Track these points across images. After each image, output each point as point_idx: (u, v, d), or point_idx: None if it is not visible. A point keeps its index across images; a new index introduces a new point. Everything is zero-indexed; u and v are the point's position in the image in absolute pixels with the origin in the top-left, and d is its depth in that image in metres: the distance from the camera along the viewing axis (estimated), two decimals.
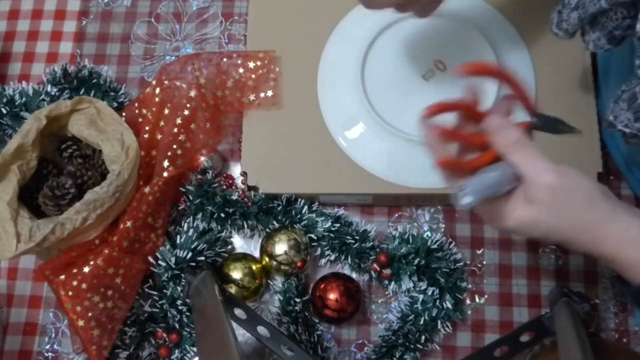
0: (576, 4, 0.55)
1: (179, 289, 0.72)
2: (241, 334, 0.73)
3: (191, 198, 0.75)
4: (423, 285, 0.73)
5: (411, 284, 0.73)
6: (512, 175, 0.46)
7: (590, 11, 0.54)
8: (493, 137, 0.46)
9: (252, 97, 0.77)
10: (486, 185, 0.45)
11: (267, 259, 0.73)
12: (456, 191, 0.45)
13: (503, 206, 0.47)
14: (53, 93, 0.80)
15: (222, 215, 0.75)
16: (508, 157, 0.46)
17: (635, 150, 0.71)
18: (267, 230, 0.75)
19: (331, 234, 0.74)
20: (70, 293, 0.67)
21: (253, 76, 0.77)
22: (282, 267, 0.73)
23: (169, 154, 0.73)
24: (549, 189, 0.44)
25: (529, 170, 0.45)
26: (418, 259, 0.73)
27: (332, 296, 0.71)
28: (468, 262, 0.77)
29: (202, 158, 0.76)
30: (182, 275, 0.72)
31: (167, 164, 0.73)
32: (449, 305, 0.72)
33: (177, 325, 0.73)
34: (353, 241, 0.74)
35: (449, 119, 0.49)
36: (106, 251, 0.68)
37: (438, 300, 0.72)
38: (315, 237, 0.74)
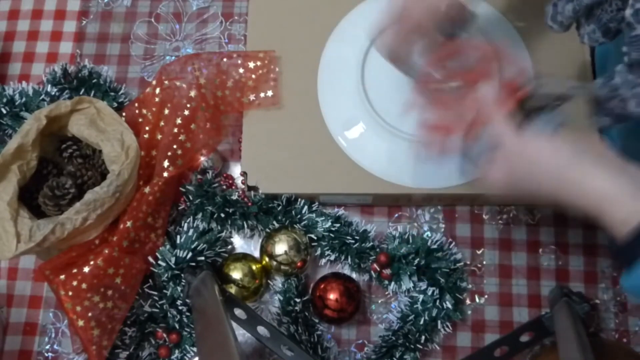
0: None
1: (179, 289, 0.72)
2: (241, 334, 0.73)
3: (191, 198, 0.75)
4: (423, 285, 0.73)
5: (411, 284, 0.73)
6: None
7: (584, 3, 0.54)
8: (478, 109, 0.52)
9: (252, 97, 0.77)
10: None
11: (267, 259, 0.73)
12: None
13: (491, 167, 0.51)
14: (53, 93, 0.80)
15: (222, 215, 0.75)
16: (487, 125, 0.51)
17: (628, 151, 0.71)
18: (267, 230, 0.75)
19: (331, 234, 0.74)
20: (70, 293, 0.67)
21: (253, 76, 0.77)
22: (282, 267, 0.73)
23: (169, 154, 0.73)
24: (515, 153, 0.49)
25: (499, 139, 0.50)
26: (418, 259, 0.73)
27: (332, 296, 0.71)
28: (468, 262, 0.77)
29: (202, 158, 0.76)
30: (182, 275, 0.72)
31: (167, 164, 0.73)
32: (449, 305, 0.72)
33: (177, 325, 0.73)
34: (353, 241, 0.74)
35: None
36: (106, 251, 0.68)
37: (438, 300, 0.72)
38: (315, 237, 0.74)
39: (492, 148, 0.51)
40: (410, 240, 0.74)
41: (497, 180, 0.51)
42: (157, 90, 0.76)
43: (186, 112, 0.74)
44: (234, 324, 0.67)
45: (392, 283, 0.74)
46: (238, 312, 0.69)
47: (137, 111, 0.78)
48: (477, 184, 0.53)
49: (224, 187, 0.78)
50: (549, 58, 0.76)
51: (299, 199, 0.76)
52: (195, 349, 0.73)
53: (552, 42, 0.72)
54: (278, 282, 0.76)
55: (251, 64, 0.77)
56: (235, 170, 0.81)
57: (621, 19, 0.53)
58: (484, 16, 0.77)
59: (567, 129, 0.51)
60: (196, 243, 0.72)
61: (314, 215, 0.75)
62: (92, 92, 0.80)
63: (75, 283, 0.67)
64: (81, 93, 0.80)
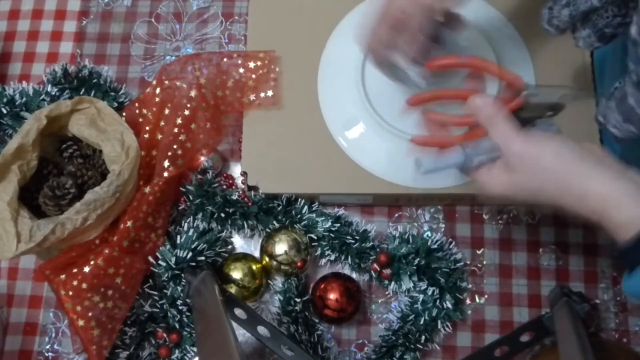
0: (567, 1, 0.55)
1: (179, 289, 0.72)
2: (241, 334, 0.73)
3: (191, 198, 0.75)
4: (423, 285, 0.73)
5: (411, 284, 0.73)
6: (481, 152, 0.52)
7: (581, 9, 0.54)
8: (475, 117, 0.52)
9: (252, 97, 0.77)
10: (437, 166, 0.52)
11: (267, 259, 0.73)
12: (417, 163, 0.53)
13: (491, 174, 0.51)
14: (53, 93, 0.80)
15: (222, 215, 0.75)
16: (488, 130, 0.51)
17: (628, 152, 0.71)
18: (267, 230, 0.75)
19: (331, 234, 0.74)
20: (70, 293, 0.67)
21: (253, 76, 0.77)
22: (282, 267, 0.73)
23: (169, 154, 0.73)
24: (518, 156, 0.48)
25: (501, 142, 0.50)
26: (418, 259, 0.73)
27: (332, 296, 0.71)
28: (468, 262, 0.77)
29: (202, 158, 0.76)
30: (182, 275, 0.72)
31: (168, 164, 0.73)
32: (449, 305, 0.72)
33: (177, 325, 0.73)
34: (353, 241, 0.74)
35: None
36: (106, 251, 0.68)
37: (438, 300, 0.72)
38: (315, 237, 0.74)
39: (493, 152, 0.51)
40: (411, 240, 0.74)
41: (497, 184, 0.51)
42: (157, 90, 0.76)
43: (186, 112, 0.74)
44: (234, 324, 0.67)
45: (392, 283, 0.74)
46: (238, 312, 0.69)
47: (137, 111, 0.78)
48: (475, 187, 0.53)
49: (224, 187, 0.78)
50: (550, 60, 0.76)
51: (299, 199, 0.76)
52: (195, 349, 0.73)
53: (553, 44, 0.72)
54: (278, 282, 0.76)
55: (251, 64, 0.77)
56: (235, 170, 0.81)
57: (617, 24, 0.53)
58: (485, 17, 0.78)
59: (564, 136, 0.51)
60: (196, 243, 0.72)
61: (314, 215, 0.75)
62: (92, 92, 0.80)
63: (75, 283, 0.67)
64: (81, 93, 0.80)
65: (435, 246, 0.74)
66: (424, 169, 0.52)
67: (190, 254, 0.71)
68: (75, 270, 0.67)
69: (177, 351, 0.73)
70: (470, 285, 0.76)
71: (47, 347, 0.76)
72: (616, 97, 0.52)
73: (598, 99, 0.74)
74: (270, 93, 0.76)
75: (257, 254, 0.77)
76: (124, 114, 0.78)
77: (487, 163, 0.51)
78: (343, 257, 0.75)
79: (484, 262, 0.77)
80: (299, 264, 0.72)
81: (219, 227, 0.76)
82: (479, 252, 0.78)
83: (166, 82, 0.76)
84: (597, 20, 0.54)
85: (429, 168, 0.52)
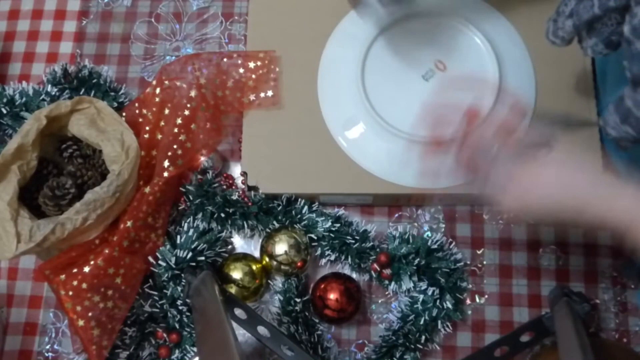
0: (570, 11, 0.56)
1: (179, 289, 0.72)
2: (241, 334, 0.73)
3: (191, 198, 0.75)
4: (423, 285, 0.73)
5: (411, 284, 0.73)
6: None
7: (584, 18, 0.54)
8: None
9: (252, 97, 0.77)
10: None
11: (267, 259, 0.73)
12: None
13: (510, 187, 0.51)
14: (53, 93, 0.80)
15: (222, 215, 0.75)
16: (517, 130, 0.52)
17: (637, 159, 0.71)
18: (267, 230, 0.75)
19: (331, 234, 0.74)
20: (70, 293, 0.67)
21: (253, 76, 0.77)
22: (282, 267, 0.73)
23: (169, 154, 0.73)
24: (532, 175, 0.49)
25: (511, 165, 0.50)
26: (418, 259, 0.73)
27: (332, 296, 0.71)
28: (468, 262, 0.77)
29: (202, 158, 0.76)
30: (182, 275, 0.72)
31: (168, 164, 0.73)
32: (449, 305, 0.72)
33: (177, 325, 0.73)
34: (353, 241, 0.74)
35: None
36: (106, 251, 0.68)
37: (438, 300, 0.72)
38: (315, 237, 0.74)
39: (505, 176, 0.51)
40: (411, 240, 0.74)
41: (513, 204, 0.51)
42: (157, 90, 0.76)
43: (186, 112, 0.74)
44: (234, 324, 0.67)
45: (392, 283, 0.74)
46: (238, 312, 0.69)
47: (137, 111, 0.78)
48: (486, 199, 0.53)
49: (224, 187, 0.78)
50: (550, 61, 0.76)
51: (299, 199, 0.76)
52: (195, 349, 0.73)
53: (555, 49, 0.72)
54: (278, 282, 0.76)
55: (251, 64, 0.77)
56: (235, 170, 0.81)
57: (622, 32, 0.53)
58: (485, 17, 0.77)
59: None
60: (196, 243, 0.72)
61: (314, 215, 0.75)
62: (92, 92, 0.80)
63: (75, 283, 0.67)
64: (81, 93, 0.80)
65: (435, 246, 0.74)
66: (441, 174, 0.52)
67: (190, 254, 0.71)
68: (75, 270, 0.67)
69: (177, 351, 0.73)
70: (470, 285, 0.76)
71: (47, 347, 0.76)
72: (614, 99, 0.52)
73: (600, 104, 0.74)
74: (270, 93, 0.76)
75: (257, 254, 0.77)
76: (124, 114, 0.78)
77: (501, 182, 0.51)
78: (343, 257, 0.75)
79: (484, 262, 0.77)
80: (299, 264, 0.72)
81: (219, 227, 0.76)
82: (479, 252, 0.77)
83: (166, 82, 0.76)
84: (602, 29, 0.54)
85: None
